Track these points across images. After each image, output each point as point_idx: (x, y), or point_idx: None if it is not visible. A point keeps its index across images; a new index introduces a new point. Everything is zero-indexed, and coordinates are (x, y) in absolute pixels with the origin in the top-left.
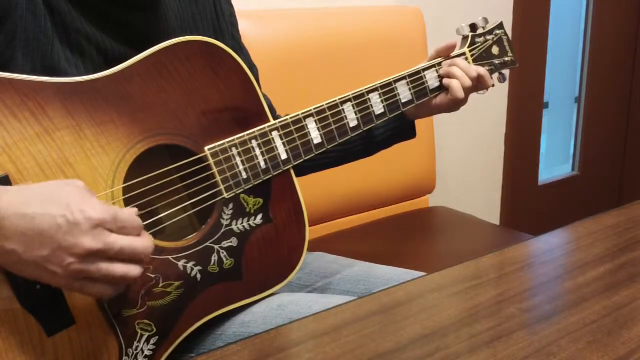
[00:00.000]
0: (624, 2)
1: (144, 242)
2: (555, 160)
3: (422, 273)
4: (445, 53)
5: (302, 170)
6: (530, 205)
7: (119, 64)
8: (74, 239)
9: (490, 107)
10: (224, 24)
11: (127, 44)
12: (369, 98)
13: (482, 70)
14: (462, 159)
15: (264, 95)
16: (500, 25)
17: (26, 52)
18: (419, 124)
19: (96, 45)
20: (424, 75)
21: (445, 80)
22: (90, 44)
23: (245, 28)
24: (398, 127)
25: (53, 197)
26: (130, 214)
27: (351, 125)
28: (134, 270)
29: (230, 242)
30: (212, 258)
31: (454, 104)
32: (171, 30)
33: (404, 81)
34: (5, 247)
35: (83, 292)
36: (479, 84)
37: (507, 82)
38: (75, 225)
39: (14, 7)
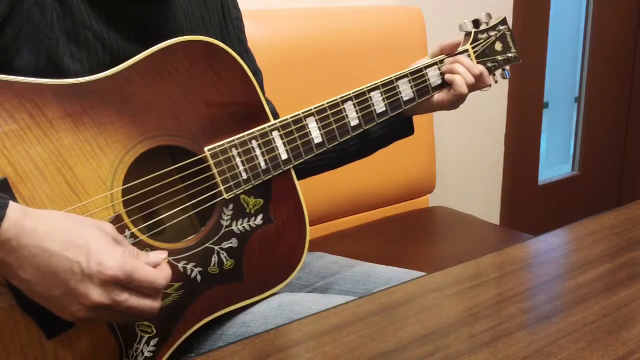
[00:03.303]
0: (624, 2)
1: (153, 304)
2: (555, 160)
3: (422, 273)
4: (450, 51)
5: (299, 174)
6: (530, 205)
7: (125, 61)
8: (84, 289)
9: (490, 107)
10: (231, 27)
11: (135, 42)
12: (370, 96)
13: (483, 69)
14: (462, 159)
15: (268, 101)
16: (503, 21)
17: (31, 46)
18: (419, 124)
19: (102, 41)
20: (426, 72)
21: (447, 76)
22: (97, 40)
23: (246, 28)
24: (395, 124)
25: (76, 240)
26: (150, 273)
27: (352, 124)
28: (137, 319)
29: (231, 243)
30: (213, 259)
31: (457, 100)
32: (180, 29)
33: (405, 79)
34: (20, 275)
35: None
36: (479, 82)
37: (507, 82)
38: (88, 277)
39: (22, 0)
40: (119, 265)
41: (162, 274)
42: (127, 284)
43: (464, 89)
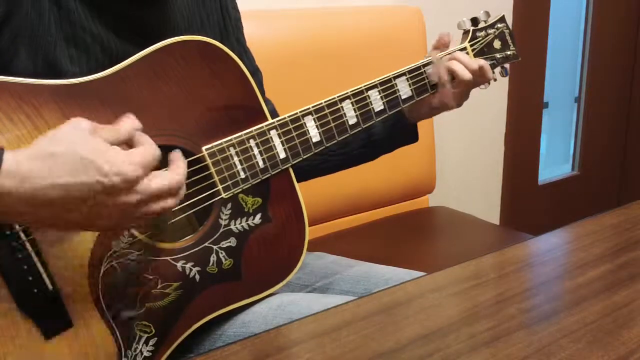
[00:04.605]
0: (624, 2)
1: (175, 179)
2: (555, 160)
3: (422, 273)
4: (442, 45)
5: (302, 176)
6: (530, 205)
7: None
8: (113, 198)
9: (490, 107)
10: (230, 28)
11: (133, 44)
12: (368, 95)
13: (483, 62)
14: (462, 159)
15: (267, 100)
16: (502, 19)
17: (29, 49)
18: (419, 124)
19: (101, 44)
20: (425, 70)
21: (448, 64)
22: (95, 43)
23: (246, 28)
24: (400, 126)
25: (81, 163)
26: (148, 151)
27: (350, 123)
28: (171, 203)
29: (229, 242)
30: (211, 259)
31: (460, 95)
32: (178, 30)
33: (403, 77)
34: (44, 217)
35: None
36: (480, 77)
37: (507, 82)
38: (112, 187)
39: (20, 4)
40: (131, 166)
41: (151, 146)
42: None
43: (468, 75)
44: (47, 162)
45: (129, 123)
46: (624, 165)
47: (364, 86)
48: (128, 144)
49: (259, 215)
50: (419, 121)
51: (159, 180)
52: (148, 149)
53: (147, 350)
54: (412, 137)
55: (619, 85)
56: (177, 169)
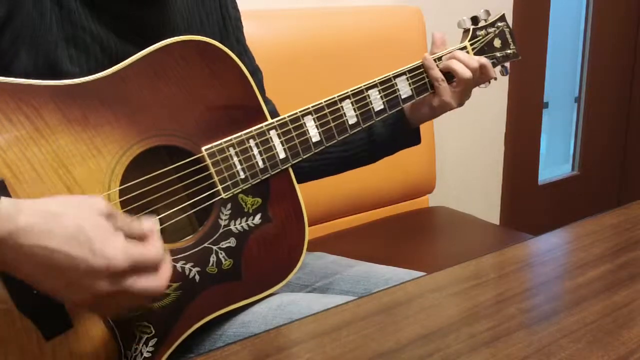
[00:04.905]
0: (624, 2)
1: (159, 282)
2: (555, 160)
3: (422, 273)
4: (440, 45)
5: (303, 177)
6: (530, 205)
7: None
8: (90, 282)
9: (490, 107)
10: (230, 27)
11: (133, 44)
12: (368, 94)
13: (485, 61)
14: (462, 159)
15: (267, 100)
16: (502, 18)
17: (30, 49)
18: None
19: (101, 44)
20: (424, 70)
21: (447, 63)
22: (95, 43)
23: (246, 28)
24: (400, 128)
25: (76, 234)
26: (151, 253)
27: (350, 122)
28: (146, 303)
29: (229, 242)
30: (211, 259)
31: (461, 94)
32: (178, 30)
33: (403, 77)
34: (20, 271)
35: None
36: (482, 75)
37: (507, 82)
38: (94, 271)
39: (21, 4)
40: (124, 255)
41: (158, 250)
42: (133, 271)
43: (468, 74)
44: (49, 222)
45: (148, 223)
46: (624, 165)
47: (364, 86)
48: (140, 240)
49: (258, 216)
50: (421, 124)
51: (142, 283)
52: (153, 251)
53: (147, 351)
54: (414, 138)
55: (619, 85)
56: (164, 274)
